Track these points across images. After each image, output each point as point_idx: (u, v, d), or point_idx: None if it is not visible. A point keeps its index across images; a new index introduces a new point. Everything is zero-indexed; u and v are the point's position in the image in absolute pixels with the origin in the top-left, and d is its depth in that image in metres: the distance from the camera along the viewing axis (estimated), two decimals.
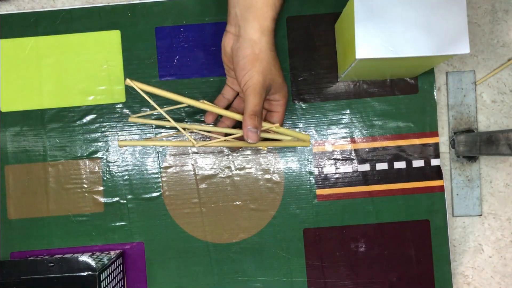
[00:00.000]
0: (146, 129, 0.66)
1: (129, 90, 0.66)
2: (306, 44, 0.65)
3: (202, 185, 0.66)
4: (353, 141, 0.65)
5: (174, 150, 0.66)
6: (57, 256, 0.61)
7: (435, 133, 0.65)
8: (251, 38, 0.54)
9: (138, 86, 0.54)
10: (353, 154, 0.65)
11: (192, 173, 0.66)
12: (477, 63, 0.66)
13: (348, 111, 0.65)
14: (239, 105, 0.63)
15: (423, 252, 0.65)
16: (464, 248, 0.67)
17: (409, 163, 0.65)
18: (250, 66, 0.54)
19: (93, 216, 0.65)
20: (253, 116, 0.54)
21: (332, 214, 0.65)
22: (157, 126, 0.65)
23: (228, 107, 0.63)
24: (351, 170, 0.65)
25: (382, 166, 0.65)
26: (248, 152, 0.66)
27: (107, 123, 0.66)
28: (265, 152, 0.66)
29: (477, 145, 0.60)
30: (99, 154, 0.66)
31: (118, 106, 0.66)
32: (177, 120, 0.65)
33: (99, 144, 0.66)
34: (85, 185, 0.66)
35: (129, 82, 0.53)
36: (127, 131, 0.66)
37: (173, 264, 0.65)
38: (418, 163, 0.65)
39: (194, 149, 0.65)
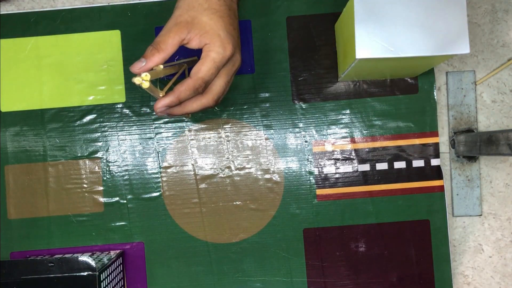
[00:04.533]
0: (146, 129, 0.66)
1: (129, 89, 0.66)
2: (306, 44, 0.65)
3: (202, 185, 0.66)
4: (353, 141, 0.66)
5: (175, 149, 0.66)
6: (57, 256, 0.61)
7: (435, 133, 0.65)
8: None
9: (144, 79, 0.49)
10: (353, 154, 0.65)
11: (192, 173, 0.66)
12: (477, 63, 0.66)
13: (348, 111, 0.65)
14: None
15: (423, 252, 0.65)
16: (464, 248, 0.67)
17: (409, 163, 0.65)
18: (177, 2, 0.51)
19: (93, 216, 0.65)
20: (149, 46, 0.49)
21: (332, 214, 0.65)
22: (156, 126, 0.66)
23: None
24: (351, 170, 0.65)
25: (382, 166, 0.65)
26: (248, 152, 0.66)
27: (107, 123, 0.66)
28: (265, 152, 0.66)
29: (477, 145, 0.60)
30: (99, 154, 0.66)
31: (118, 106, 0.66)
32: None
33: (99, 144, 0.66)
34: (85, 185, 0.66)
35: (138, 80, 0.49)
36: (127, 131, 0.66)
37: (173, 264, 0.65)
38: (418, 163, 0.65)
39: (194, 147, 0.66)
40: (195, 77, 0.49)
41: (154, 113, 0.65)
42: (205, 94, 0.51)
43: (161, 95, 0.49)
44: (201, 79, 0.49)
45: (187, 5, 0.50)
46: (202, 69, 0.49)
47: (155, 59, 0.48)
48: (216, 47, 0.49)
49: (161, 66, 0.49)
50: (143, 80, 0.47)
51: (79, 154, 0.66)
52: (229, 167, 0.66)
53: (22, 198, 0.65)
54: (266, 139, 0.66)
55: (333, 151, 0.66)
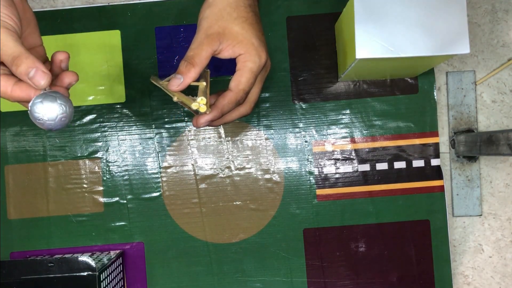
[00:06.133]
0: (146, 129, 0.66)
1: (129, 89, 0.66)
2: (306, 44, 0.65)
3: (202, 185, 0.66)
4: (353, 141, 0.65)
5: (175, 149, 0.66)
6: (57, 256, 0.61)
7: (435, 133, 0.65)
8: None
9: (160, 83, 0.51)
10: (353, 154, 0.65)
11: (192, 173, 0.66)
12: (477, 63, 0.66)
13: (348, 111, 0.65)
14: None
15: (423, 252, 0.65)
16: (464, 248, 0.67)
17: (409, 163, 0.65)
18: (201, 12, 0.49)
19: (93, 216, 0.65)
20: (183, 62, 0.48)
21: (332, 214, 0.65)
22: (156, 126, 0.66)
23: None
24: (351, 170, 0.65)
25: (382, 166, 0.65)
26: (248, 152, 0.66)
27: (107, 123, 0.66)
28: (265, 152, 0.66)
29: (477, 145, 0.60)
30: (99, 154, 0.66)
31: (118, 106, 0.66)
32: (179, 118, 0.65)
33: (99, 144, 0.66)
34: (85, 185, 0.66)
35: (155, 79, 0.51)
36: (127, 131, 0.66)
37: (173, 264, 0.65)
38: (418, 163, 0.65)
39: (194, 147, 0.66)
40: (236, 90, 0.48)
41: (155, 113, 0.65)
42: (243, 104, 0.52)
43: (208, 112, 0.49)
44: (242, 91, 0.48)
45: (215, 15, 0.48)
46: (242, 81, 0.48)
47: (191, 74, 0.47)
48: (252, 56, 0.48)
49: (204, 83, 0.49)
50: (201, 104, 0.47)
51: (79, 154, 0.66)
52: (229, 167, 0.66)
53: (22, 198, 0.65)
54: (266, 139, 0.66)
55: (333, 151, 0.66)
